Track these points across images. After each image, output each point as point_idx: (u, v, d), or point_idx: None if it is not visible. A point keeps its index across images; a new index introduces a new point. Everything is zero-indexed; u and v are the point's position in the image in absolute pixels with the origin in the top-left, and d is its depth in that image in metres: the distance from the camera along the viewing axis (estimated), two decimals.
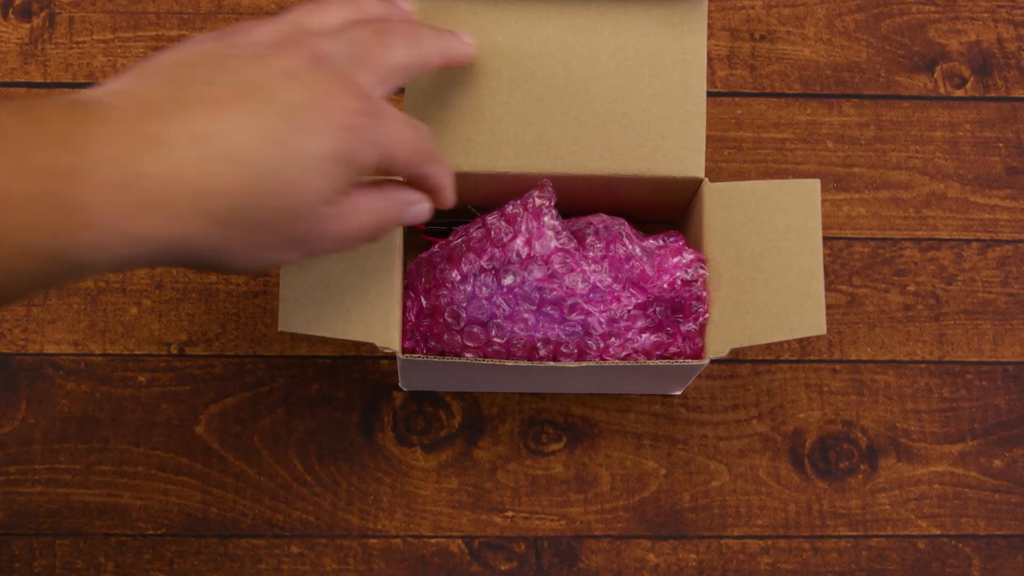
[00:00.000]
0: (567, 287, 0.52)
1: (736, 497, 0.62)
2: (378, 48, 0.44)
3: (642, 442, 0.63)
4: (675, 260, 0.53)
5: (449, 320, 0.53)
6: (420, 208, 0.47)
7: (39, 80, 0.67)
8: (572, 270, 0.52)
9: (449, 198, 0.48)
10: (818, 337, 0.64)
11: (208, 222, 0.38)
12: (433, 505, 0.62)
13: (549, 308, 0.53)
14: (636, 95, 0.54)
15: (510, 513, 0.62)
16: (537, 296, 0.52)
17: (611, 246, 0.54)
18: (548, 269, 0.52)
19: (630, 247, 0.53)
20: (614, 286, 0.53)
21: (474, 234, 0.54)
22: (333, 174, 0.40)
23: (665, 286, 0.53)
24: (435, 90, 0.54)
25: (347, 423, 0.62)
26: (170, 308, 0.63)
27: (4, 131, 0.34)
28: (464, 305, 0.53)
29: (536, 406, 0.63)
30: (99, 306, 0.63)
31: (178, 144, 0.37)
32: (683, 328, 0.54)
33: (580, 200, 0.56)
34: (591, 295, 0.53)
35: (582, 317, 0.53)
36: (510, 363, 0.52)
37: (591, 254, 0.53)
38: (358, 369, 0.63)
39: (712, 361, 0.55)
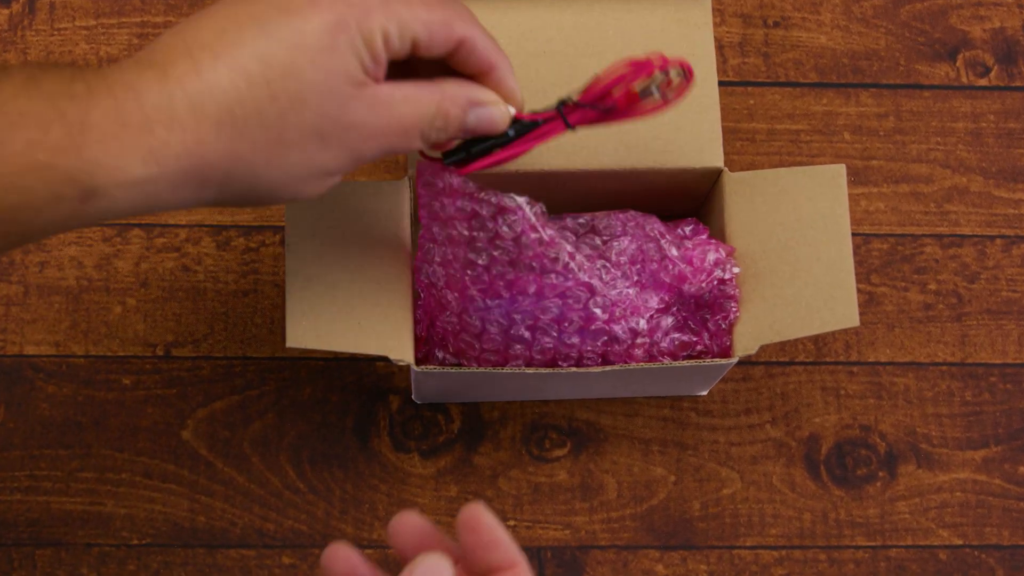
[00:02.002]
0: (589, 314, 0.51)
1: (749, 505, 0.61)
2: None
3: (650, 448, 0.62)
4: (712, 257, 0.52)
5: (466, 335, 0.52)
6: (489, 113, 0.44)
7: None
8: (593, 296, 0.51)
9: (516, 96, 0.45)
10: (834, 338, 0.64)
11: (215, 127, 0.38)
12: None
13: (569, 325, 0.52)
14: None
15: (512, 522, 0.61)
16: (557, 313, 0.51)
17: (640, 247, 0.52)
18: (568, 300, 0.51)
19: (667, 248, 0.52)
20: (643, 296, 0.52)
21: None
22: (338, 47, 0.39)
23: (704, 285, 0.52)
24: None
25: (341, 428, 0.61)
26: (156, 307, 0.62)
27: (29, 72, 0.37)
28: (482, 316, 0.51)
29: (539, 410, 0.62)
30: (81, 305, 0.62)
31: (174, 60, 0.39)
32: (710, 325, 0.53)
33: (595, 196, 0.55)
34: (615, 310, 0.51)
35: (605, 337, 0.52)
36: (530, 371, 0.51)
37: (613, 258, 0.52)
38: (352, 371, 0.62)
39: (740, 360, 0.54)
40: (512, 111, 0.46)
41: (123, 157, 0.37)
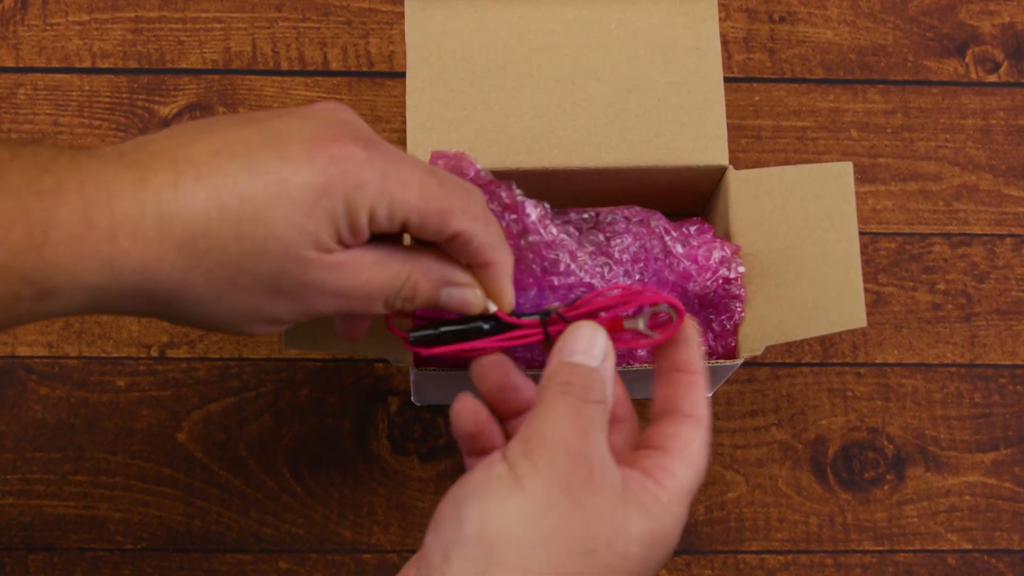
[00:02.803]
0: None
1: (754, 509, 0.61)
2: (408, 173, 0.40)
3: None
4: (717, 256, 0.52)
5: None
6: (463, 294, 0.42)
7: (11, 65, 0.65)
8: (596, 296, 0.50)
9: (505, 299, 0.43)
10: (841, 339, 0.63)
11: (176, 249, 0.37)
12: (430, 518, 0.60)
13: None
14: (651, 85, 0.54)
15: None
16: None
17: (644, 245, 0.52)
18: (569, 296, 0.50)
19: (671, 244, 0.52)
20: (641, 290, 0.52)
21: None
22: (317, 211, 0.38)
23: (708, 284, 0.52)
24: (439, 88, 0.53)
25: (339, 430, 0.61)
26: None
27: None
28: None
29: None
30: None
31: (156, 168, 0.37)
32: (715, 326, 0.52)
33: (597, 194, 0.55)
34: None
35: None
36: (532, 372, 0.50)
37: (616, 255, 0.52)
38: (351, 373, 0.62)
39: (745, 361, 0.54)
40: (492, 307, 0.43)
41: (82, 263, 0.36)
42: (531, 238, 0.48)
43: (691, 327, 0.41)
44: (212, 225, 0.37)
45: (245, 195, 0.37)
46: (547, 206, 0.48)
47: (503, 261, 0.42)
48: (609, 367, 0.40)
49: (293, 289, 0.39)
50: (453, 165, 0.47)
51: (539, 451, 0.37)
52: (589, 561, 0.36)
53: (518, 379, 0.42)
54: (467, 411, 0.42)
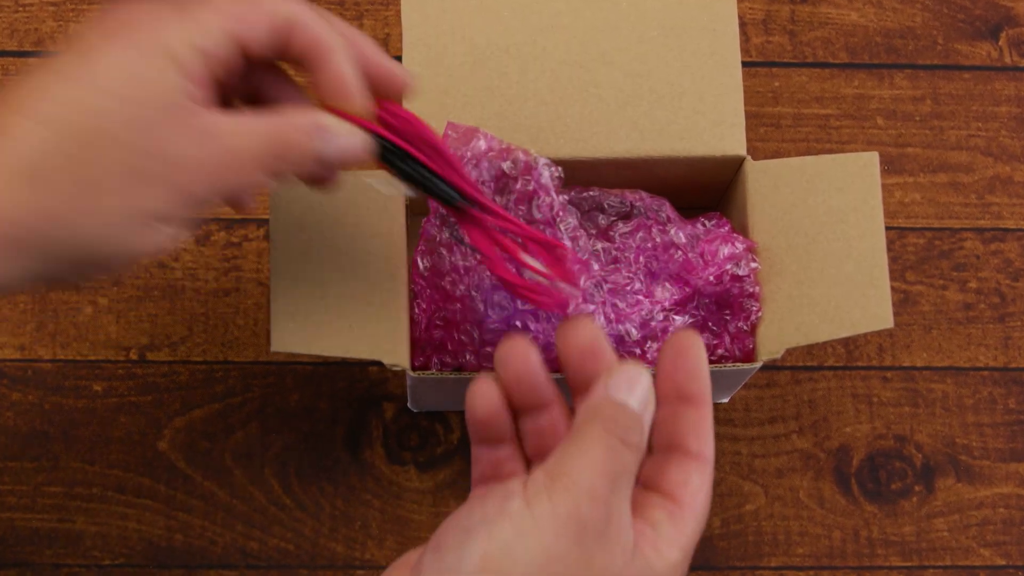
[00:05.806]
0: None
1: (773, 522, 0.61)
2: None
3: None
4: (726, 251, 0.52)
5: (464, 339, 0.51)
6: (338, 139, 0.41)
7: None
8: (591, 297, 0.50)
9: (349, 83, 0.42)
10: (866, 341, 0.63)
11: (29, 183, 0.37)
12: (428, 531, 0.60)
13: None
14: (663, 69, 0.54)
15: None
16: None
17: (647, 232, 0.52)
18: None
19: (673, 233, 0.52)
20: (651, 287, 0.51)
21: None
22: (141, 74, 0.38)
23: (711, 279, 0.52)
24: (438, 73, 0.54)
25: (331, 438, 0.61)
26: (129, 308, 0.62)
27: None
28: (486, 298, 0.51)
29: None
30: (48, 305, 0.62)
31: None
32: (731, 327, 0.52)
33: (607, 187, 0.56)
34: (615, 301, 0.51)
35: (611, 334, 0.51)
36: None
37: (617, 241, 0.52)
38: (343, 377, 0.62)
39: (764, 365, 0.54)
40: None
41: None
42: (543, 199, 0.49)
43: (698, 349, 0.40)
44: (50, 145, 0.37)
45: (70, 102, 0.38)
46: (560, 171, 0.49)
47: (338, 45, 0.41)
48: (649, 415, 0.39)
49: (160, 169, 0.39)
50: (463, 135, 0.48)
51: (563, 493, 0.37)
52: None
53: (540, 372, 0.41)
54: (483, 393, 0.41)
